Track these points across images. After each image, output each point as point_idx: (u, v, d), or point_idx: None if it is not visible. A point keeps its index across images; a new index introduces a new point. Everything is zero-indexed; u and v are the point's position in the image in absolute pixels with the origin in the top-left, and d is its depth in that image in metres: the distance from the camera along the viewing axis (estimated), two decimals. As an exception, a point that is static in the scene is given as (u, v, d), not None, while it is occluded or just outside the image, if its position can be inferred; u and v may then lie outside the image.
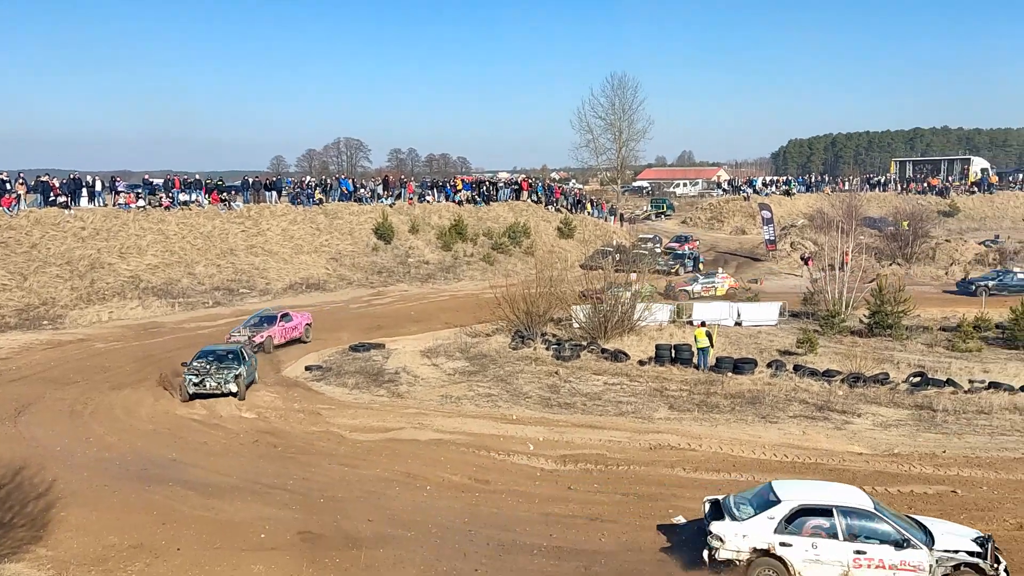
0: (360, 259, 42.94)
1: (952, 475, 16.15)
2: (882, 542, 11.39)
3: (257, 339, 26.31)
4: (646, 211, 71.23)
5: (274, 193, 45.60)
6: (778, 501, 11.82)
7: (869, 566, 11.32)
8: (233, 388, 21.39)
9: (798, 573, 11.44)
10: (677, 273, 42.62)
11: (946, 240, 50.77)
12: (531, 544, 13.12)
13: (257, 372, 23.58)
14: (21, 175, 38.38)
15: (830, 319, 29.47)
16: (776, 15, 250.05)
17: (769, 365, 24.14)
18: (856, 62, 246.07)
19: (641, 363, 25.02)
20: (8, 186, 35.77)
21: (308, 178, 58.09)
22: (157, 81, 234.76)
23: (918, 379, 22.04)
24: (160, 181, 43.30)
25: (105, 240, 36.40)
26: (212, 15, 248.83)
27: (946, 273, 43.69)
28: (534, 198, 55.24)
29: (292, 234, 42.59)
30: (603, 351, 26.01)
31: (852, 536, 11.46)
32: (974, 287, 38.03)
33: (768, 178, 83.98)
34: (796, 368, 23.74)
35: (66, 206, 37.11)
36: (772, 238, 51.31)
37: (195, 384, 21.23)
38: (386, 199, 48.82)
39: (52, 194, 37.16)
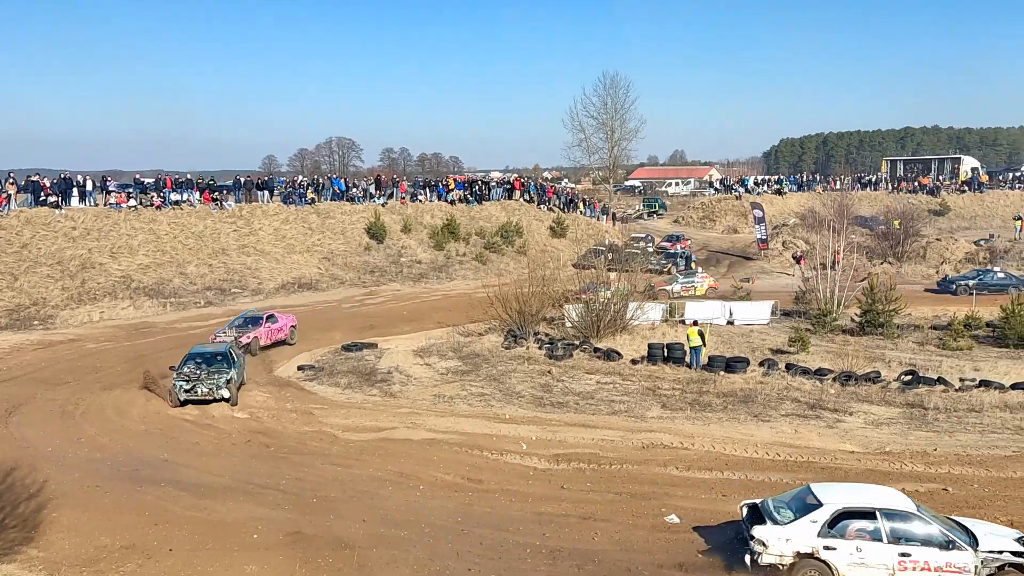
0: (352, 259, 42.88)
1: (943, 473, 16.23)
2: (927, 544, 11.33)
3: (244, 339, 25.99)
4: (638, 210, 71.32)
5: (266, 192, 45.45)
6: (820, 504, 11.75)
7: (914, 569, 11.27)
8: (225, 394, 20.95)
9: None
10: (669, 272, 42.69)
11: (936, 239, 50.94)
12: (524, 543, 13.12)
13: (246, 372, 23.33)
14: (11, 175, 38.16)
15: (822, 318, 29.55)
16: (768, 15, 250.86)
17: (761, 364, 24.20)
18: (848, 62, 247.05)
19: (634, 362, 25.06)
20: (-2, 186, 35.60)
21: (300, 177, 58.01)
22: (148, 81, 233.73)
23: (909, 377, 22.12)
24: (151, 181, 43.14)
25: (96, 240, 36.25)
26: (203, 15, 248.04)
27: (936, 272, 43.82)
28: (526, 197, 55.24)
29: (284, 234, 42.49)
30: (596, 350, 26.04)
31: (896, 539, 11.40)
32: (955, 286, 38.23)
33: (760, 177, 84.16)
34: (788, 367, 23.79)
35: (57, 206, 36.94)
36: (764, 237, 51.44)
37: (186, 391, 20.77)
38: (378, 198, 48.77)
39: (43, 194, 36.97)
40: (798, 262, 44.01)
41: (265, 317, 28.09)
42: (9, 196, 35.69)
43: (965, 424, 19.31)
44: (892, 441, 18.24)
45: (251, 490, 15.45)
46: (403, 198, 49.67)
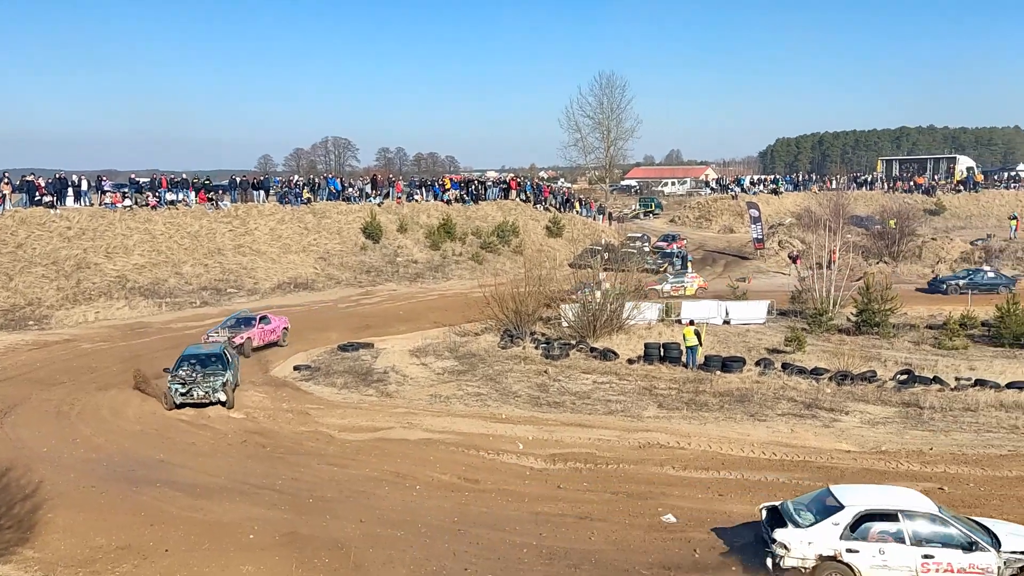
0: (348, 258, 42.83)
1: (939, 472, 16.26)
2: (949, 546, 11.31)
3: (237, 340, 25.81)
4: (634, 210, 71.35)
5: (262, 192, 45.39)
6: (841, 507, 11.72)
7: (937, 570, 11.25)
8: (222, 397, 20.66)
9: None
10: (665, 271, 42.72)
11: (932, 239, 51.04)
12: (521, 543, 13.11)
13: (240, 373, 23.04)
14: (6, 175, 38.04)
15: (818, 317, 29.60)
16: (764, 15, 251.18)
17: (757, 363, 24.23)
18: (844, 62, 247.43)
19: (630, 362, 25.07)
20: (-7, 186, 35.52)
21: (296, 177, 57.89)
22: (143, 80, 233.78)
23: (905, 377, 22.17)
24: (147, 180, 42.98)
25: (91, 240, 36.18)
26: (199, 14, 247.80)
27: (932, 271, 43.93)
28: (523, 197, 55.23)
29: (280, 233, 42.43)
30: (592, 350, 26.04)
31: (919, 541, 11.37)
32: (945, 286, 38.35)
33: (756, 177, 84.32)
34: (784, 366, 23.83)
35: (52, 206, 36.86)
36: (760, 237, 51.48)
37: (182, 394, 20.54)
38: (374, 198, 48.72)
39: (38, 194, 36.91)
40: (794, 262, 44.05)
41: (258, 318, 27.93)
42: (4, 196, 35.64)
43: (961, 423, 19.35)
44: (888, 440, 18.27)
45: (247, 490, 15.42)
46: (399, 198, 49.63)
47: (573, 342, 26.92)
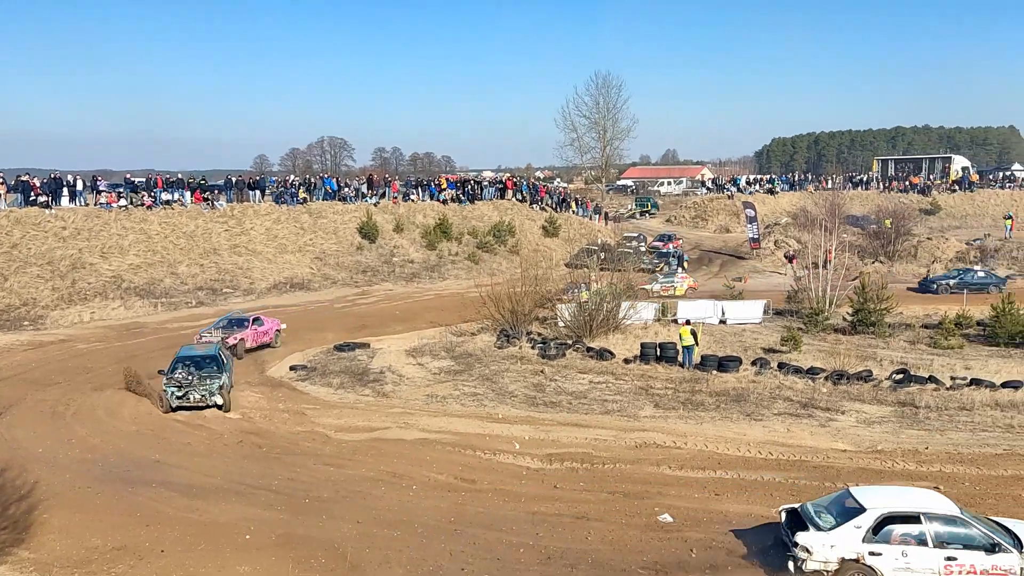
0: (344, 258, 42.79)
1: (935, 471, 16.28)
2: (972, 547, 11.26)
3: (231, 341, 25.64)
4: (631, 210, 71.41)
5: (257, 192, 45.34)
6: (862, 509, 11.66)
7: (960, 573, 11.20)
8: (219, 400, 20.49)
9: None
10: (662, 271, 42.76)
11: (928, 238, 51.15)
12: (518, 543, 13.11)
13: (234, 375, 22.80)
14: (1, 175, 37.98)
15: (814, 317, 29.65)
16: (760, 15, 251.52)
17: (754, 363, 24.26)
18: (839, 62, 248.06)
19: (626, 361, 25.08)
20: (-12, 186, 35.44)
21: (292, 177, 57.88)
22: (139, 80, 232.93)
23: (901, 376, 22.19)
24: (142, 180, 42.95)
25: (86, 240, 36.10)
26: (194, 13, 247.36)
27: (927, 271, 44.01)
28: (519, 197, 55.21)
29: (276, 233, 42.38)
30: (588, 350, 26.04)
31: (941, 543, 11.31)
32: (935, 285, 38.46)
33: (752, 176, 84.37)
34: (780, 366, 23.85)
35: (47, 206, 36.76)
36: (756, 236, 51.54)
37: (178, 397, 20.37)
38: (370, 198, 48.67)
39: (32, 194, 36.81)
40: (790, 261, 44.11)
41: (251, 319, 27.77)
42: (-1, 196, 35.55)
43: (956, 422, 19.39)
44: (884, 439, 18.30)
45: (243, 491, 15.40)
46: (395, 198, 49.59)
47: (569, 342, 26.93)
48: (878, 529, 11.47)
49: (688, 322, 26.21)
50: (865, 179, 76.51)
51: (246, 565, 12.30)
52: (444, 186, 52.53)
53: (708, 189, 79.31)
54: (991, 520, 12.11)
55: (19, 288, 32.22)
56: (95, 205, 39.06)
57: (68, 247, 35.20)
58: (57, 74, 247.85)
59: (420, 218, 48.04)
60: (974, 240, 50.92)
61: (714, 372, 23.65)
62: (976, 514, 12.13)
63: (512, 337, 27.42)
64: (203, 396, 20.40)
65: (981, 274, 39.34)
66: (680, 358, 24.63)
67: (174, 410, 20.47)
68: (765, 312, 32.19)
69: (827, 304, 31.10)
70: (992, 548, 11.22)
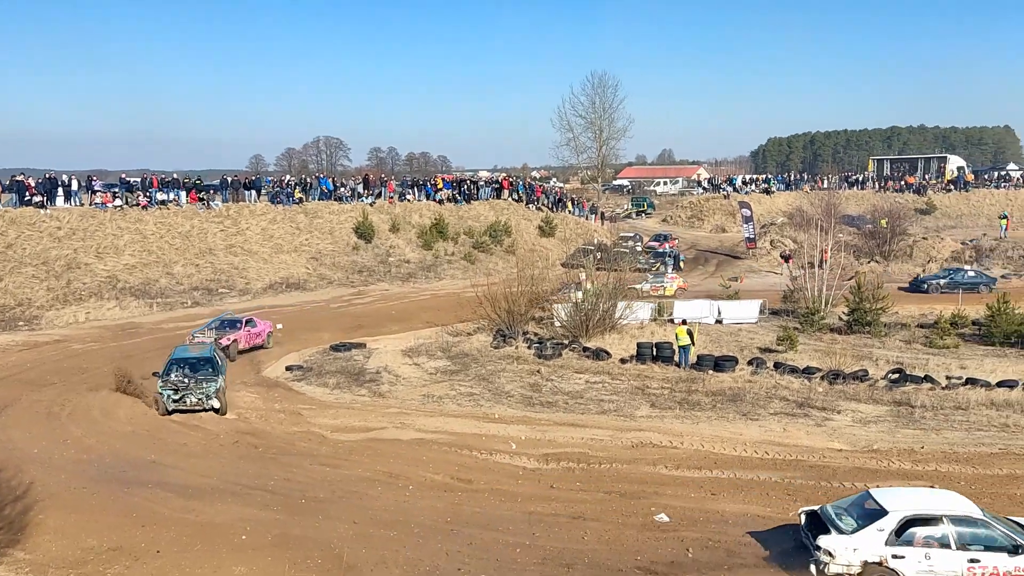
0: (340, 258, 42.76)
1: (930, 470, 16.31)
2: (994, 549, 11.19)
3: (224, 341, 25.56)
4: (627, 209, 71.46)
5: (253, 192, 45.26)
6: (884, 512, 11.58)
7: (983, 574, 11.15)
8: (216, 404, 20.29)
9: None
10: (658, 271, 42.79)
11: (923, 238, 51.26)
12: (514, 543, 13.10)
13: (227, 376, 22.66)
14: (-5, 174, 37.97)
15: (810, 317, 29.68)
16: (756, 15, 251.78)
17: (750, 363, 24.27)
18: (835, 61, 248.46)
19: (623, 361, 25.08)
20: (-18, 185, 35.35)
21: (288, 177, 57.81)
22: (134, 79, 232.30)
23: (897, 376, 22.22)
24: (137, 180, 42.89)
25: (82, 240, 36.03)
26: (190, 13, 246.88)
27: (923, 270, 44.10)
28: (515, 197, 55.22)
29: (272, 233, 42.34)
30: (585, 349, 26.04)
31: (964, 545, 11.25)
32: (926, 285, 38.55)
33: (748, 176, 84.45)
34: (776, 365, 23.86)
35: (42, 206, 36.69)
36: (752, 236, 51.61)
37: (175, 401, 20.21)
38: (366, 198, 48.66)
39: (27, 194, 36.74)
40: (786, 261, 44.17)
41: (244, 321, 27.65)
42: (-7, 196, 35.48)
43: (952, 422, 19.43)
44: (880, 439, 18.32)
45: (239, 491, 15.37)
46: (391, 198, 49.58)
47: (566, 342, 26.92)
48: (901, 532, 11.39)
49: (684, 322, 26.24)
50: (861, 179, 76.59)
51: (242, 566, 12.27)
52: (440, 186, 52.55)
53: (704, 189, 79.39)
54: (1012, 521, 12.04)
55: (14, 288, 32.14)
56: (90, 205, 38.98)
57: (63, 247, 35.13)
58: (55, 74, 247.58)
59: (416, 218, 48.03)
60: (970, 240, 51.05)
61: (710, 372, 23.67)
62: (997, 515, 12.08)
63: (508, 337, 27.41)
64: (200, 400, 20.23)
65: (971, 274, 39.50)
66: (676, 358, 24.65)
67: (170, 413, 20.33)
68: (761, 312, 32.21)
69: (823, 304, 31.13)
70: (1015, 549, 11.18)
